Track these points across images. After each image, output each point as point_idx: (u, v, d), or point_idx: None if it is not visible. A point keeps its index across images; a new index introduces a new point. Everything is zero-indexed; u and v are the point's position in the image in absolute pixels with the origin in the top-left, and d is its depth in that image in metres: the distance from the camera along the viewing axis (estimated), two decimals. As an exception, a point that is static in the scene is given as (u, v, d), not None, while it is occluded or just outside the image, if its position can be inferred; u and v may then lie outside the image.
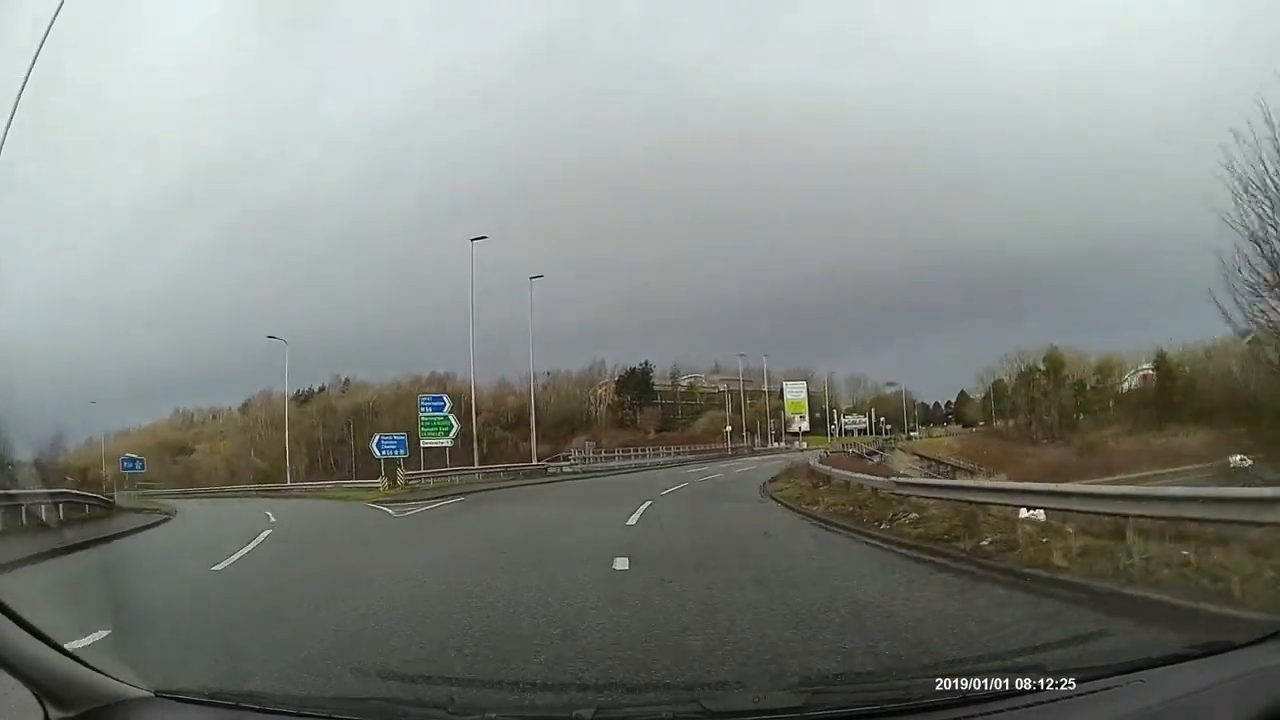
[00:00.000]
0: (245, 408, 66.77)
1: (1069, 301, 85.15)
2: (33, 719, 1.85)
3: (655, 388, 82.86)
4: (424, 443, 36.63)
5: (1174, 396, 64.83)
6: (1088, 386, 66.96)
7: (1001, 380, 77.87)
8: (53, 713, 1.88)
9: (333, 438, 59.11)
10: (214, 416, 68.80)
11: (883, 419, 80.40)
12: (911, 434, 78.11)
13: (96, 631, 4.49)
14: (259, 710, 2.33)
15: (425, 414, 38.07)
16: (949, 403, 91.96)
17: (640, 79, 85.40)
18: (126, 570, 11.63)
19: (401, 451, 34.97)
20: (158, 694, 2.22)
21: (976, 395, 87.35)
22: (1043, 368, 67.60)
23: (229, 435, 63.13)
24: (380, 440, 35.89)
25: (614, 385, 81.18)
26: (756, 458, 51.49)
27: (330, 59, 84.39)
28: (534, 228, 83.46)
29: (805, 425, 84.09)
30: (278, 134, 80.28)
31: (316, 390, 68.86)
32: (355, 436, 58.08)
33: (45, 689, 1.90)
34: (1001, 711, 2.10)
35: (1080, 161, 74.56)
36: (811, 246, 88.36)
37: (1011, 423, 68.89)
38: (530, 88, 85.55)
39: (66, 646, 2.06)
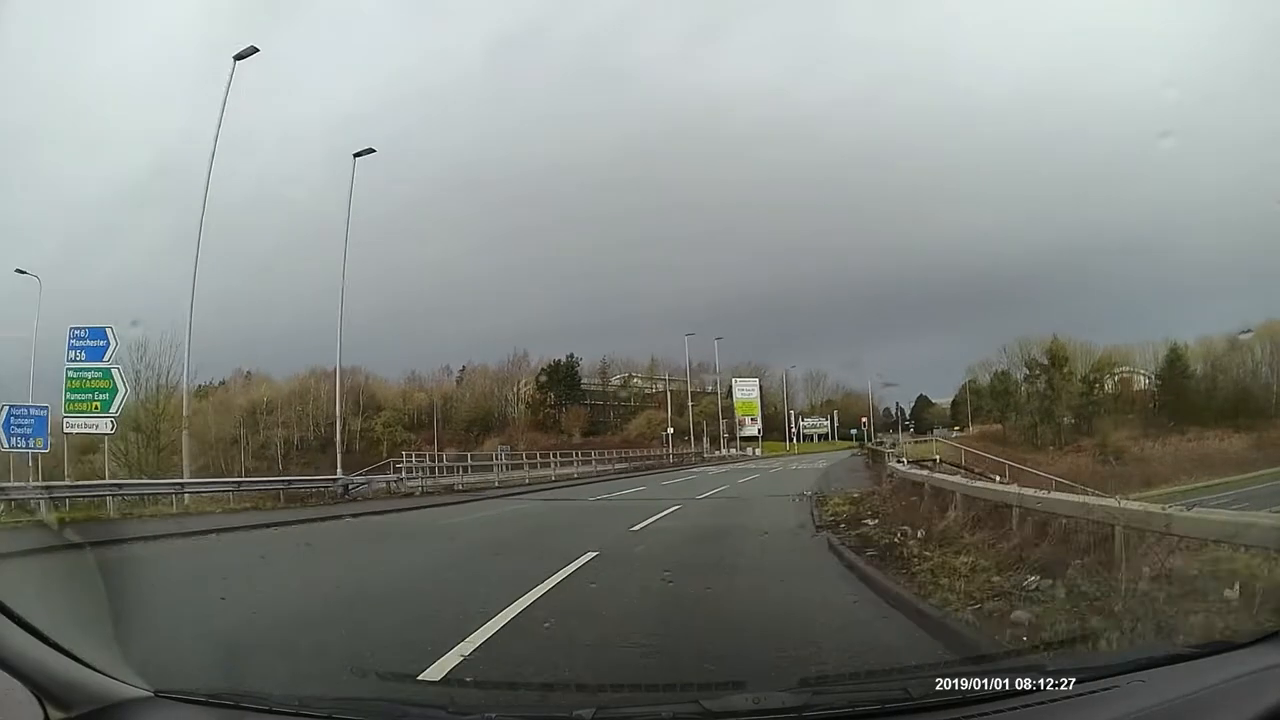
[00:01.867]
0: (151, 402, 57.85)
1: (1048, 303, 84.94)
2: (33, 719, 1.82)
3: (583, 385, 74.64)
4: (68, 423, 20.58)
5: (1190, 396, 55.71)
6: (1095, 383, 56.97)
7: (976, 380, 70.16)
8: (53, 713, 1.86)
9: (226, 436, 53.73)
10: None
11: (863, 422, 70.39)
12: (879, 439, 68.15)
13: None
14: (259, 710, 2.31)
15: (73, 366, 20.18)
16: (900, 407, 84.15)
17: (603, 78, 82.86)
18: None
19: (38, 439, 19.49)
20: (158, 694, 2.20)
21: (942, 400, 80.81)
22: (1045, 361, 56.88)
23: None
24: (8, 417, 19.49)
25: (535, 381, 72.46)
26: (713, 469, 38.62)
27: (291, 53, 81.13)
28: (488, 223, 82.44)
29: (759, 429, 73.37)
30: (236, 130, 72.44)
31: (218, 384, 61.98)
32: (249, 436, 54.83)
33: (45, 689, 1.87)
34: (1001, 711, 2.08)
35: (1055, 166, 75.06)
36: (775, 244, 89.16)
37: (1005, 425, 58.48)
38: (491, 86, 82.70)
39: (66, 646, 2.01)
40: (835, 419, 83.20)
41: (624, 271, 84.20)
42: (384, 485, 24.78)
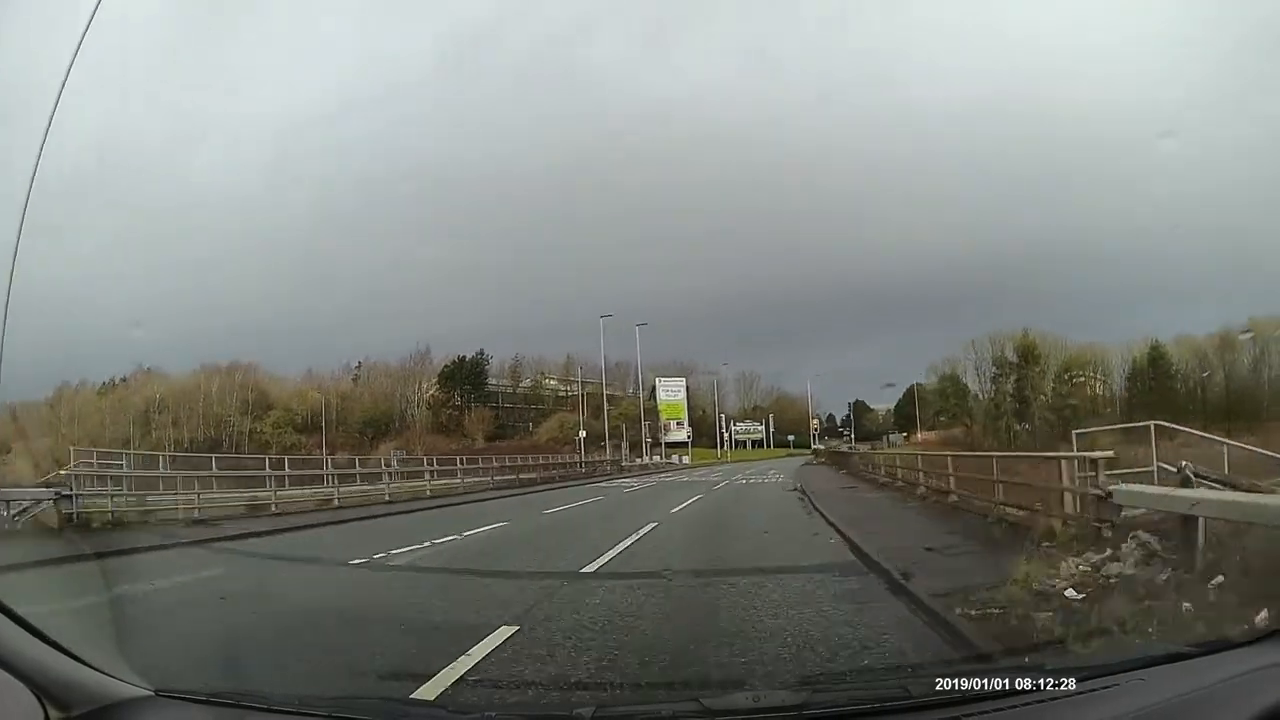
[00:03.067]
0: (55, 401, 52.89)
1: (1002, 308, 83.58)
2: (33, 719, 1.78)
3: (491, 386, 67.18)
4: None
5: (1175, 398, 48.88)
6: (1070, 382, 49.70)
7: (931, 383, 63.88)
8: (53, 713, 1.82)
9: (119, 437, 47.38)
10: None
11: (813, 427, 62.72)
12: (833, 444, 60.25)
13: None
14: (259, 710, 2.24)
15: None
16: (830, 415, 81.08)
17: (555, 81, 79.75)
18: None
19: None
20: (158, 694, 2.14)
21: (880, 406, 75.59)
22: (1014, 359, 48.97)
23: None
24: None
25: (437, 379, 65.19)
26: (633, 482, 28.40)
27: (243, 50, 75.70)
28: (433, 224, 78.67)
29: (687, 434, 64.06)
30: (185, 126, 74.53)
31: (119, 381, 56.89)
32: (140, 436, 49.60)
33: (45, 689, 1.83)
34: (1001, 711, 2.04)
35: (1016, 168, 71.07)
36: (713, 249, 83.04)
37: (971, 430, 50.70)
38: (441, 89, 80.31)
39: (66, 646, 1.97)
40: (771, 424, 74.86)
41: (556, 274, 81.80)
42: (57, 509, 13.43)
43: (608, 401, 66.56)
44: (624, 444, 54.06)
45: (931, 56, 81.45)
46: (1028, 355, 48.97)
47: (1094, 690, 2.06)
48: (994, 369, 50.55)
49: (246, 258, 70.94)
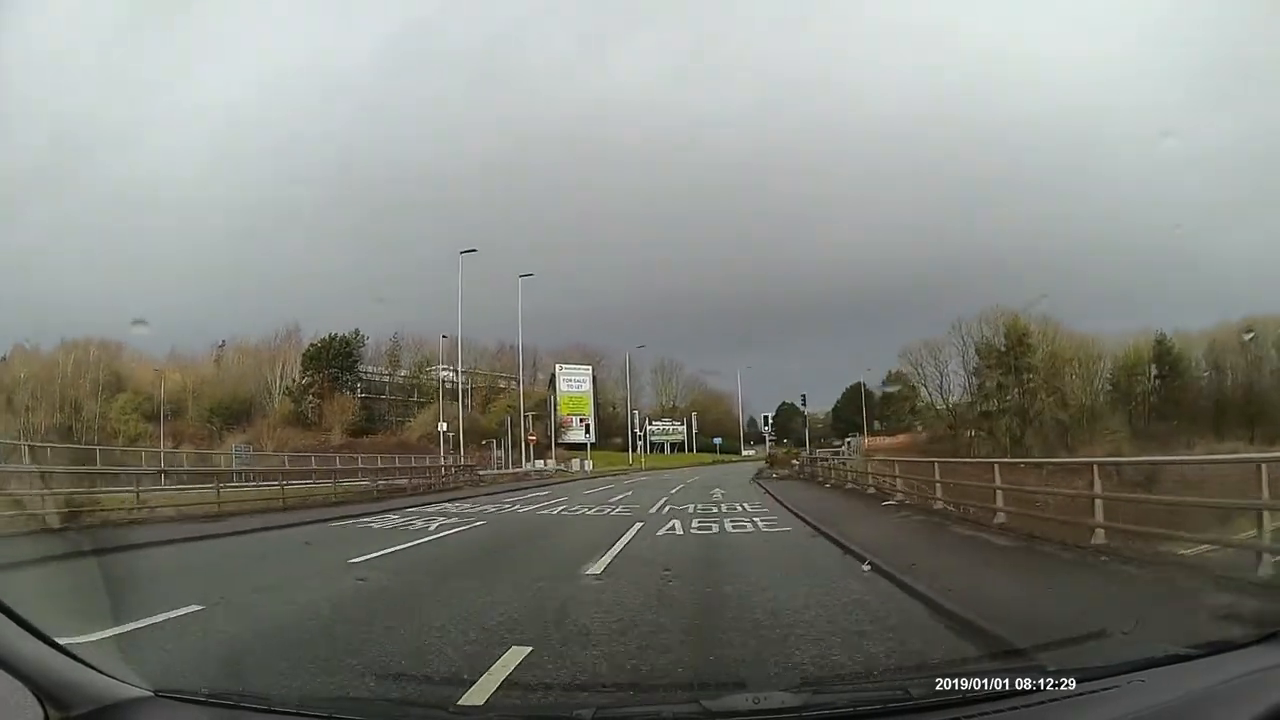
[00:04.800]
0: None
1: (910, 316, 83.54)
2: (33, 719, 1.77)
3: (365, 373, 58.63)
4: None
5: (1182, 397, 40.30)
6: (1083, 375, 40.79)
7: (864, 384, 60.59)
8: (53, 713, 1.80)
9: None
10: None
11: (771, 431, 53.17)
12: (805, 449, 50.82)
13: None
14: (259, 710, 2.23)
15: None
16: (751, 419, 73.25)
17: (492, 84, 78.65)
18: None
19: None
20: (158, 694, 2.13)
21: (817, 409, 69.89)
22: (1002, 346, 39.54)
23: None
24: None
25: (303, 360, 56.61)
26: (463, 510, 15.38)
27: (191, 40, 76.05)
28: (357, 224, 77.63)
29: (589, 434, 51.71)
30: (134, 112, 69.29)
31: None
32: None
33: (45, 689, 1.82)
34: (1001, 711, 2.02)
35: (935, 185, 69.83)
36: (650, 249, 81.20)
37: (954, 433, 41.07)
38: (380, 89, 77.15)
39: (66, 646, 1.96)
40: (694, 424, 63.05)
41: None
42: None
43: (497, 393, 54.35)
44: (499, 444, 41.53)
45: (891, 59, 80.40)
46: (1020, 342, 39.62)
47: (1094, 691, 2.04)
48: (977, 359, 41.11)
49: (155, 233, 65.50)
